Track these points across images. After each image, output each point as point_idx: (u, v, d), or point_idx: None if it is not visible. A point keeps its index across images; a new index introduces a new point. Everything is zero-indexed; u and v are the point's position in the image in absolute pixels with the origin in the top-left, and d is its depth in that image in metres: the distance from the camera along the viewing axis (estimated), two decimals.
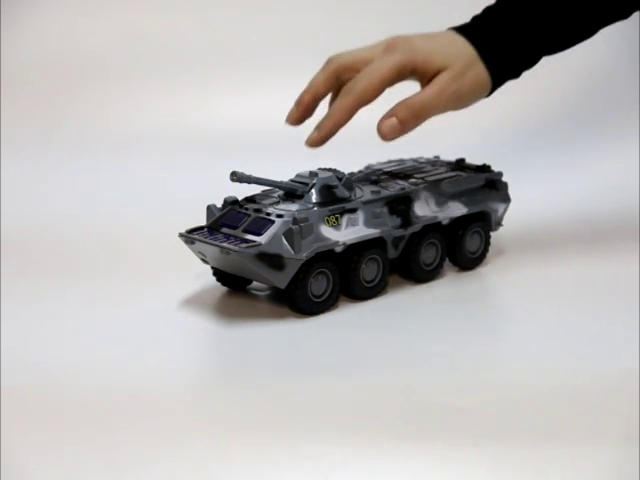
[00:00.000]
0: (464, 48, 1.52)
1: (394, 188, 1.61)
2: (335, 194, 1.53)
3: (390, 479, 1.07)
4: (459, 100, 1.52)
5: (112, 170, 2.18)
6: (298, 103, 1.55)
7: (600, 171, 2.11)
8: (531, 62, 1.57)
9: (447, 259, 1.69)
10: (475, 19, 1.59)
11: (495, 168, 1.75)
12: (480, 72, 1.52)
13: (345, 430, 1.16)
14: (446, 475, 1.07)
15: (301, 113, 1.55)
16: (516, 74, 1.58)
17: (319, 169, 1.56)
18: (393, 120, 1.48)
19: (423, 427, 1.17)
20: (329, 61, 1.57)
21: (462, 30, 1.56)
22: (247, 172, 1.49)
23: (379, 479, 1.07)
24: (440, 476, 1.07)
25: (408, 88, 1.53)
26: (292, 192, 1.53)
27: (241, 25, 2.43)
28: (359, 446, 1.12)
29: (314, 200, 1.51)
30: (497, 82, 1.56)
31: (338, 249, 1.51)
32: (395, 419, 1.18)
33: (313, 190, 1.51)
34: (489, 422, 1.17)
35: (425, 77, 1.51)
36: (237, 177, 1.46)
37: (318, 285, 1.49)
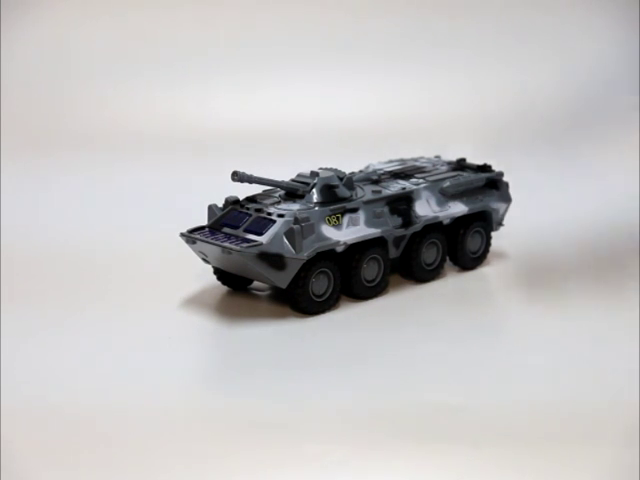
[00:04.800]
0: None
1: (395, 188, 1.61)
2: (336, 194, 1.53)
3: (390, 479, 1.07)
4: None
5: (112, 170, 2.18)
6: None
7: (601, 171, 2.11)
8: None
9: (448, 259, 1.69)
10: None
11: (496, 168, 1.75)
12: None
13: (345, 430, 1.16)
14: (446, 475, 1.08)
15: None
16: None
17: (320, 169, 1.56)
18: None
19: (423, 427, 1.17)
20: None
21: None
22: (248, 172, 1.49)
23: (379, 479, 1.07)
24: (440, 476, 1.08)
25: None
26: (293, 192, 1.53)
27: (242, 25, 2.43)
28: (359, 446, 1.13)
29: (315, 200, 1.51)
30: None
31: (339, 249, 1.51)
32: (395, 419, 1.19)
33: (314, 190, 1.51)
34: (489, 422, 1.17)
35: None
36: (238, 177, 1.46)
37: (319, 285, 1.49)
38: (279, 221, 1.45)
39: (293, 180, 1.56)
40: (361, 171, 1.72)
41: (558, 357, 1.35)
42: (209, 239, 1.47)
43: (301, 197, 1.52)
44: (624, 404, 1.21)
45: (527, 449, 1.11)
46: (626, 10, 2.18)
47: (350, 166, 1.69)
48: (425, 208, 1.63)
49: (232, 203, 1.53)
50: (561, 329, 1.45)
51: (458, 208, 1.67)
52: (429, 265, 1.65)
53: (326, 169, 1.56)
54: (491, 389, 1.26)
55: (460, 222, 1.69)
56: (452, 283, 1.66)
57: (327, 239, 1.49)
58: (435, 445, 1.13)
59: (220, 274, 1.59)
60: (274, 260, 1.44)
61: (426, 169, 1.72)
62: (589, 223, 1.93)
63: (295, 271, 1.46)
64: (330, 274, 1.51)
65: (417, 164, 1.77)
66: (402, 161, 1.79)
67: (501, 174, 1.75)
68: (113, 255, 1.80)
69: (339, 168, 1.57)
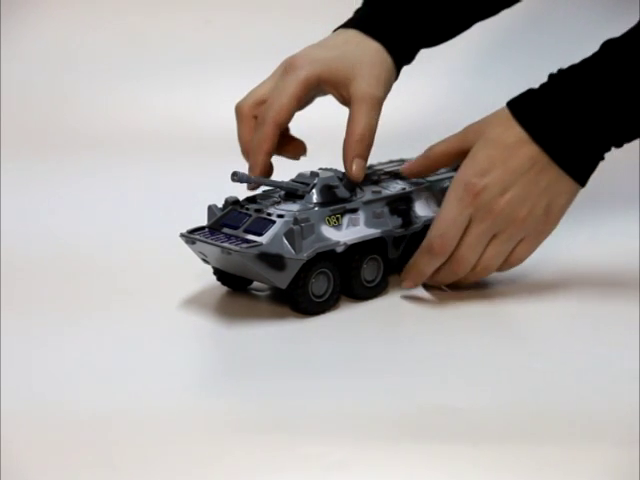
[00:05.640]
0: (361, 43, 1.53)
1: (395, 188, 1.61)
2: (336, 194, 1.53)
3: (390, 479, 1.07)
4: (382, 101, 1.54)
5: (111, 170, 2.19)
6: (252, 167, 1.54)
7: (601, 168, 2.10)
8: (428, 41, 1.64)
9: None
10: (358, 10, 1.61)
11: None
12: (385, 62, 1.54)
13: (345, 430, 1.16)
14: (446, 476, 1.07)
15: (262, 171, 1.54)
16: (411, 55, 1.63)
17: (320, 169, 1.55)
18: (357, 160, 1.51)
19: (423, 427, 1.17)
20: (238, 109, 1.58)
21: (351, 25, 1.58)
22: (248, 172, 1.49)
23: (379, 479, 1.07)
24: (440, 477, 1.08)
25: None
26: (293, 192, 1.53)
27: (242, 25, 2.43)
28: (359, 446, 1.13)
29: (315, 200, 1.51)
30: (399, 65, 1.59)
31: (339, 249, 1.51)
32: (395, 419, 1.18)
33: (314, 190, 1.51)
34: (489, 423, 1.17)
35: (336, 85, 1.51)
36: (238, 177, 1.46)
37: (319, 285, 1.49)
38: (279, 221, 1.45)
39: (293, 180, 1.56)
40: None
41: (560, 357, 1.35)
42: (209, 239, 1.47)
43: (301, 197, 1.52)
44: (624, 404, 1.20)
45: (527, 449, 1.11)
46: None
47: None
48: (425, 208, 1.62)
49: (232, 203, 1.53)
50: (563, 328, 1.45)
51: None
52: None
53: (326, 169, 1.56)
54: (491, 389, 1.26)
55: None
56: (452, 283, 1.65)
57: (327, 239, 1.49)
58: (435, 446, 1.13)
59: (220, 274, 1.59)
60: (274, 260, 1.43)
61: None
62: (591, 220, 1.92)
63: (295, 271, 1.46)
64: (330, 275, 1.50)
65: None
66: (402, 161, 1.79)
67: None
68: (112, 255, 1.80)
69: (339, 168, 1.57)
